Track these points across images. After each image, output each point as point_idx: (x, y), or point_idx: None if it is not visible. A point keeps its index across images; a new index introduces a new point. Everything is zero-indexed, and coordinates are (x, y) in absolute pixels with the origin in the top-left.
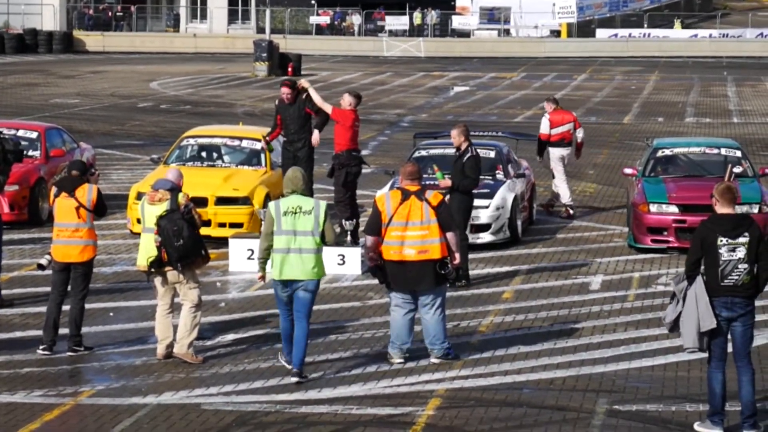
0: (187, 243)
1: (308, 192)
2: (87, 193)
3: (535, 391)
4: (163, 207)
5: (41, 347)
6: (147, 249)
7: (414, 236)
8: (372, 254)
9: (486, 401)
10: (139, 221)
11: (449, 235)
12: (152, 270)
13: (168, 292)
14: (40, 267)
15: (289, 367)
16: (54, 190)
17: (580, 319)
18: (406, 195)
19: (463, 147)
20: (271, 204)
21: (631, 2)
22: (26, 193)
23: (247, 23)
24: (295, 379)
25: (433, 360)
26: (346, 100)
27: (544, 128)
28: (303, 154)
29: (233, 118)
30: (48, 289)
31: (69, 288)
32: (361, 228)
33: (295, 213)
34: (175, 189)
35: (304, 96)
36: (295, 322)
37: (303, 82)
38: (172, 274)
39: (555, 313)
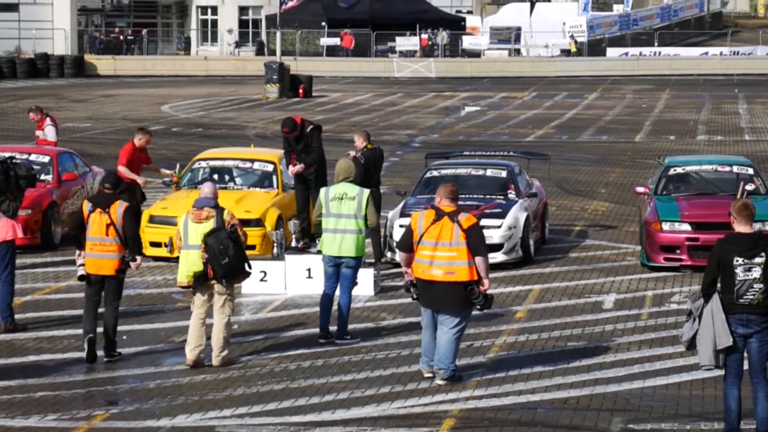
0: (232, 261)
1: (357, 182)
2: (117, 210)
3: (549, 411)
4: (209, 225)
5: (87, 337)
6: (189, 265)
7: (442, 257)
8: (406, 269)
9: (500, 421)
10: (152, 244)
11: (478, 259)
12: (197, 284)
13: (206, 303)
14: (82, 278)
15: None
16: (88, 205)
17: (593, 338)
18: (439, 215)
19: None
20: (323, 189)
21: (641, 21)
22: (39, 217)
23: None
24: (339, 341)
25: (438, 381)
26: None
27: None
28: (314, 179)
29: (245, 141)
30: (61, 312)
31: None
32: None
33: (341, 198)
34: (219, 206)
35: (308, 130)
36: (339, 293)
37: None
38: (218, 287)
39: (568, 332)
